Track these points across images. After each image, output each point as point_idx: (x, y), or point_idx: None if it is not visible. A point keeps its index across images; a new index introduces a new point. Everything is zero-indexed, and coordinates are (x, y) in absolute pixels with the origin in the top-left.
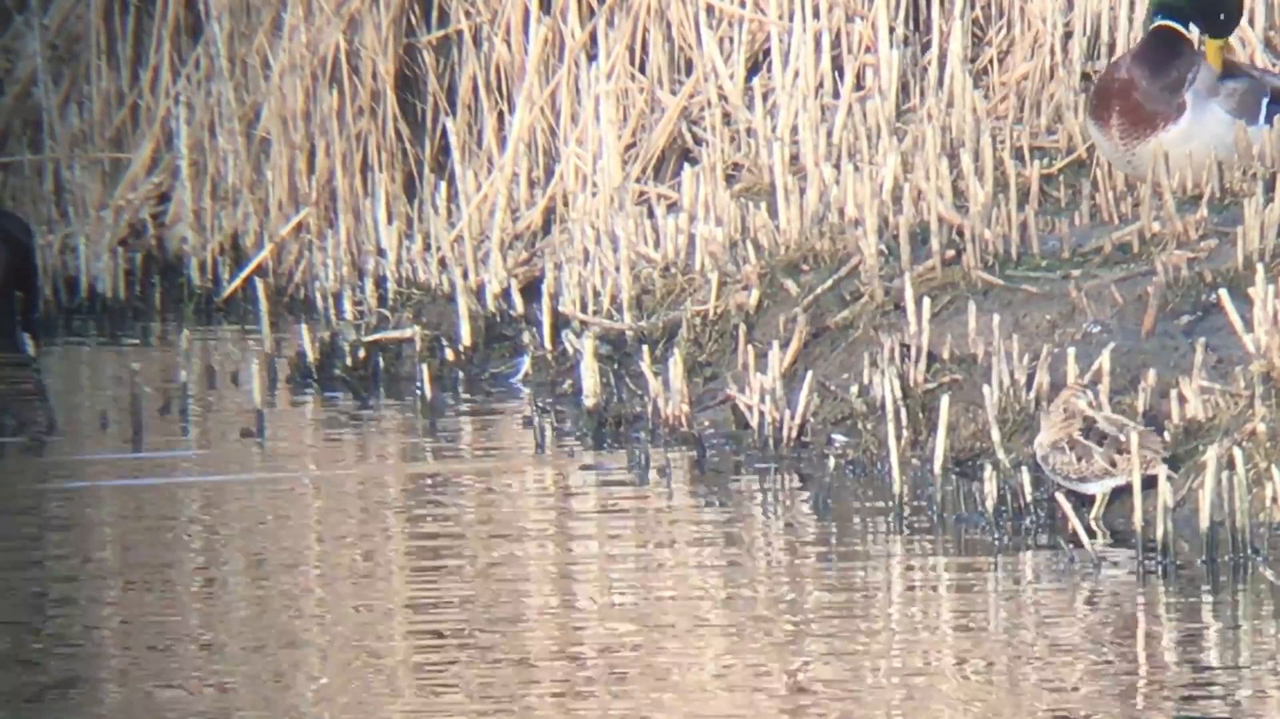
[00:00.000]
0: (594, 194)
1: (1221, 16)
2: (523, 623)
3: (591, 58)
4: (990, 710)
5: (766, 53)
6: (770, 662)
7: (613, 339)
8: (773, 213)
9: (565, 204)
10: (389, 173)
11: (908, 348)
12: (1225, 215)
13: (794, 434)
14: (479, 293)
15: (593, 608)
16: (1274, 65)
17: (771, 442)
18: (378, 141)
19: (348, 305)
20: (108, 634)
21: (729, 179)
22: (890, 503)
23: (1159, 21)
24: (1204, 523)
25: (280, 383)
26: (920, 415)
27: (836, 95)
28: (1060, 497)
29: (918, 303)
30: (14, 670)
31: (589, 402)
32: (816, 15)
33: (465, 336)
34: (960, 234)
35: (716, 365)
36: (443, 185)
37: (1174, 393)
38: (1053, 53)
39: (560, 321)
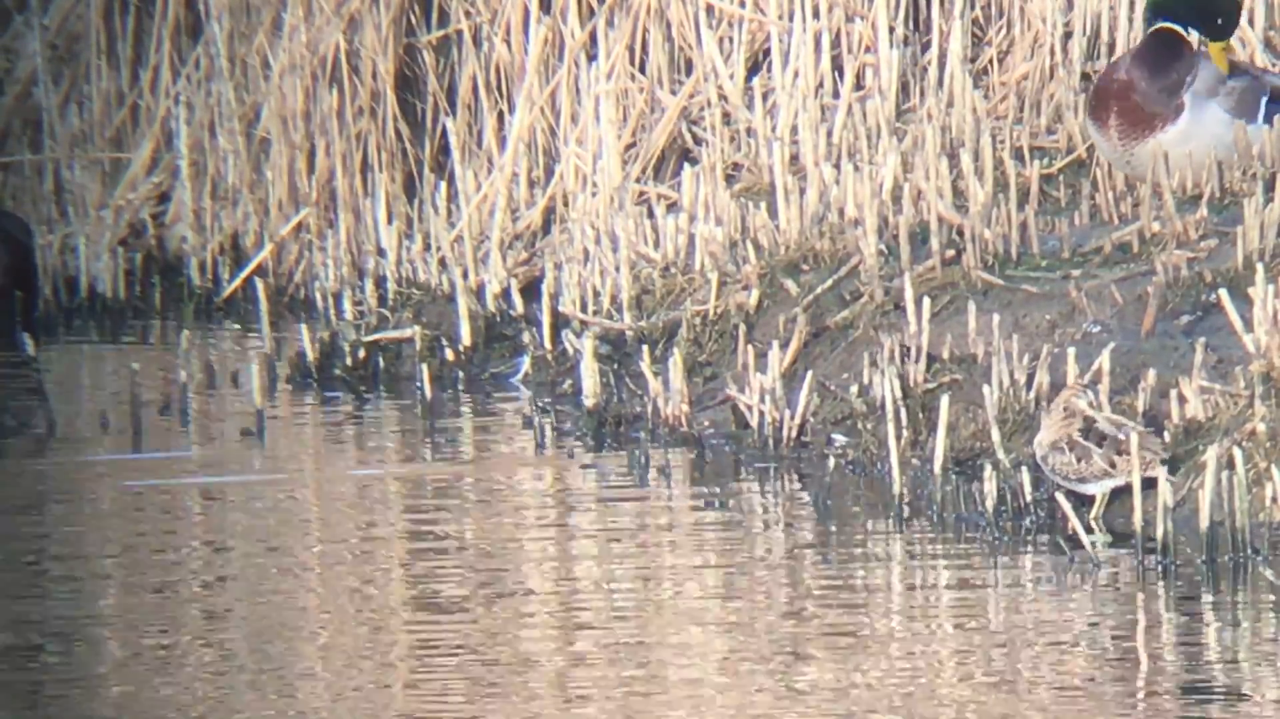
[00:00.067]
0: (594, 194)
1: (1219, 20)
2: (522, 622)
3: (591, 58)
4: (990, 710)
5: (766, 53)
6: (770, 661)
7: (613, 339)
8: (773, 213)
9: (565, 204)
10: (389, 173)
11: (907, 348)
12: (1225, 215)
13: (794, 434)
14: (479, 293)
15: (592, 608)
16: (1274, 65)
17: (771, 441)
18: (378, 141)
19: (348, 305)
20: (108, 634)
21: (729, 179)
22: (890, 503)
23: (1159, 24)
24: (1204, 523)
25: (280, 383)
26: (920, 415)
27: (836, 95)
28: (1060, 497)
29: (918, 303)
30: (14, 670)
31: (589, 402)
32: (816, 15)
33: (465, 336)
34: (960, 234)
35: (716, 365)
36: (443, 185)
37: (1174, 393)
38: (1053, 53)
39: (560, 321)
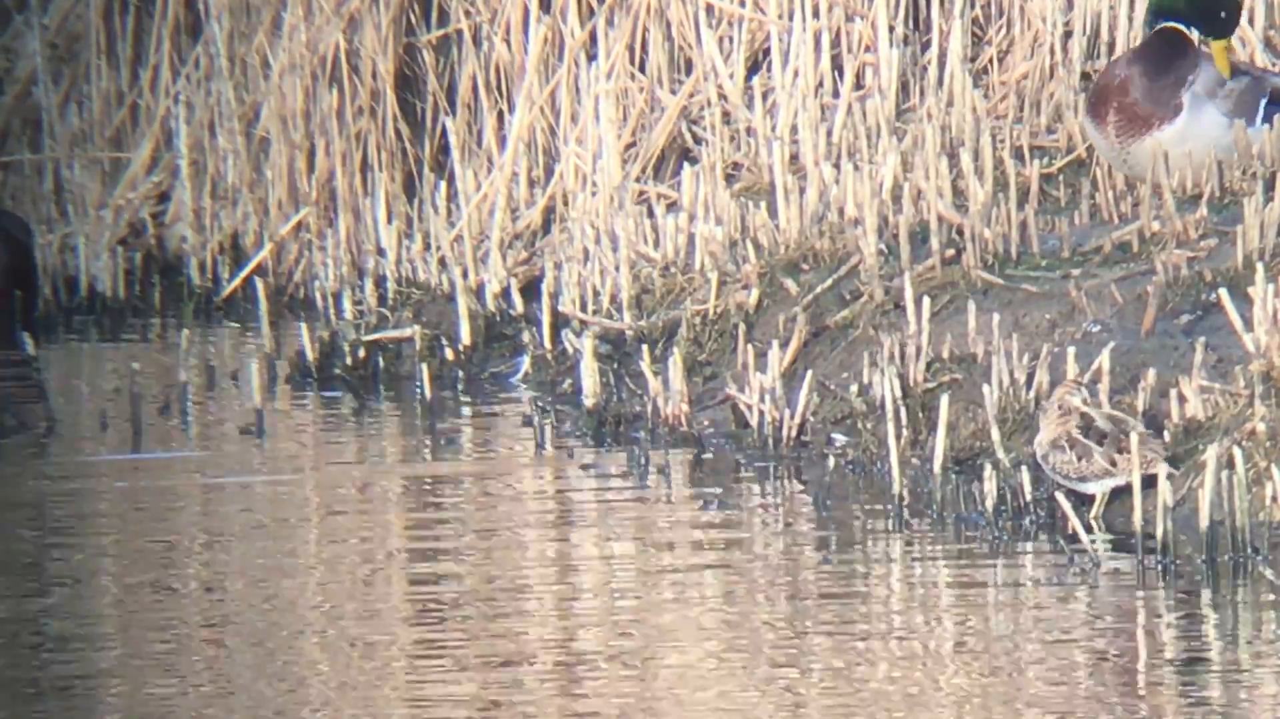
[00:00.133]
0: (594, 193)
1: (1222, 14)
2: (522, 622)
3: (591, 57)
4: (990, 709)
5: (766, 52)
6: (770, 661)
7: (612, 338)
8: (772, 212)
9: (565, 203)
10: (389, 172)
11: (907, 347)
12: (1225, 215)
13: (794, 434)
14: (479, 292)
15: (592, 608)
16: (1274, 65)
17: (771, 441)
18: (377, 141)
19: (347, 305)
20: (108, 634)
21: (729, 178)
22: (890, 502)
23: (1161, 24)
24: (1204, 522)
25: (280, 382)
26: (920, 415)
27: (836, 95)
28: (1060, 496)
29: (917, 302)
30: (14, 670)
31: (589, 401)
32: (816, 14)
33: (465, 336)
34: (960, 233)
35: (716, 365)
36: (442, 185)
37: (1174, 392)
38: (1052, 52)
39: (560, 321)
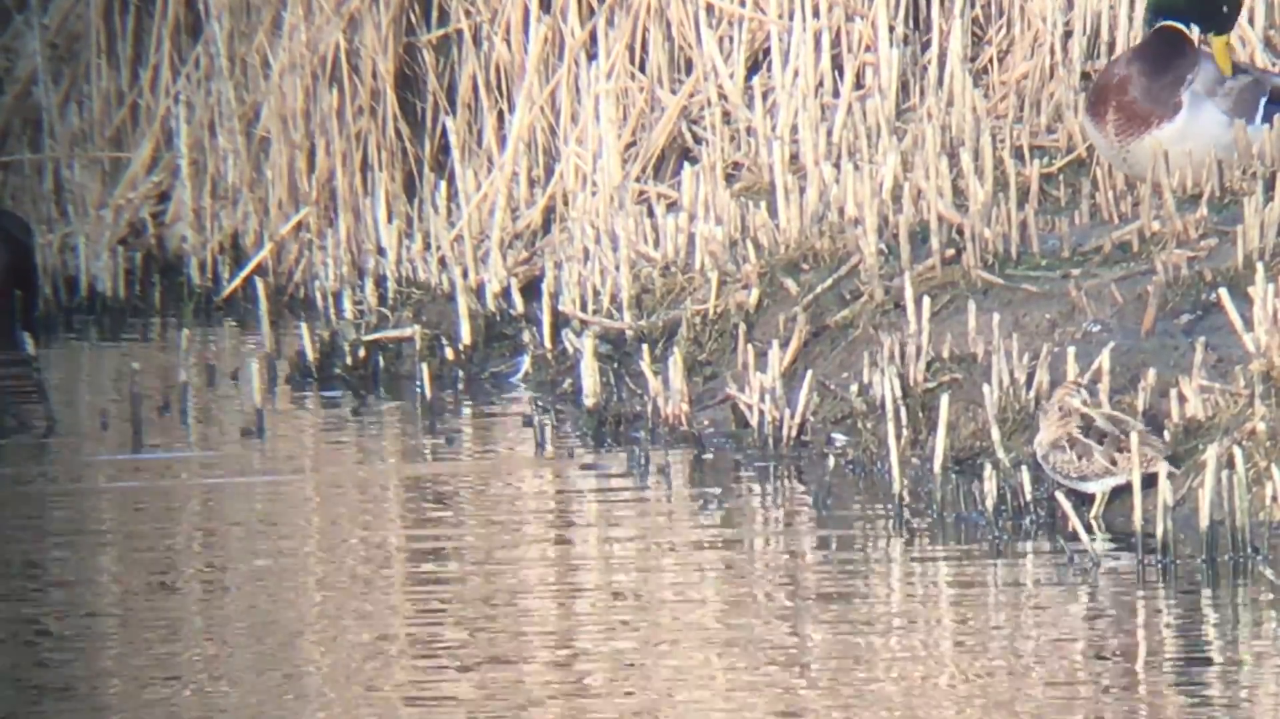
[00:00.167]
0: (594, 193)
1: (1224, 9)
2: (522, 622)
3: (591, 57)
4: (990, 709)
5: (766, 52)
6: (770, 661)
7: (612, 338)
8: (772, 212)
9: (565, 203)
10: (389, 172)
11: (907, 347)
12: (1225, 214)
13: (794, 433)
14: (479, 292)
15: (592, 607)
16: (1274, 65)
17: (771, 441)
18: (378, 141)
19: (348, 304)
20: (108, 633)
21: (729, 178)
22: (890, 502)
23: (1161, 22)
24: (1204, 522)
25: (280, 382)
26: (920, 414)
27: (836, 94)
28: (1060, 495)
29: (917, 302)
30: (14, 670)
31: (589, 401)
32: (816, 14)
33: (465, 336)
34: (960, 233)
35: (716, 364)
36: (443, 184)
37: (1174, 392)
38: (1052, 52)
39: (560, 321)
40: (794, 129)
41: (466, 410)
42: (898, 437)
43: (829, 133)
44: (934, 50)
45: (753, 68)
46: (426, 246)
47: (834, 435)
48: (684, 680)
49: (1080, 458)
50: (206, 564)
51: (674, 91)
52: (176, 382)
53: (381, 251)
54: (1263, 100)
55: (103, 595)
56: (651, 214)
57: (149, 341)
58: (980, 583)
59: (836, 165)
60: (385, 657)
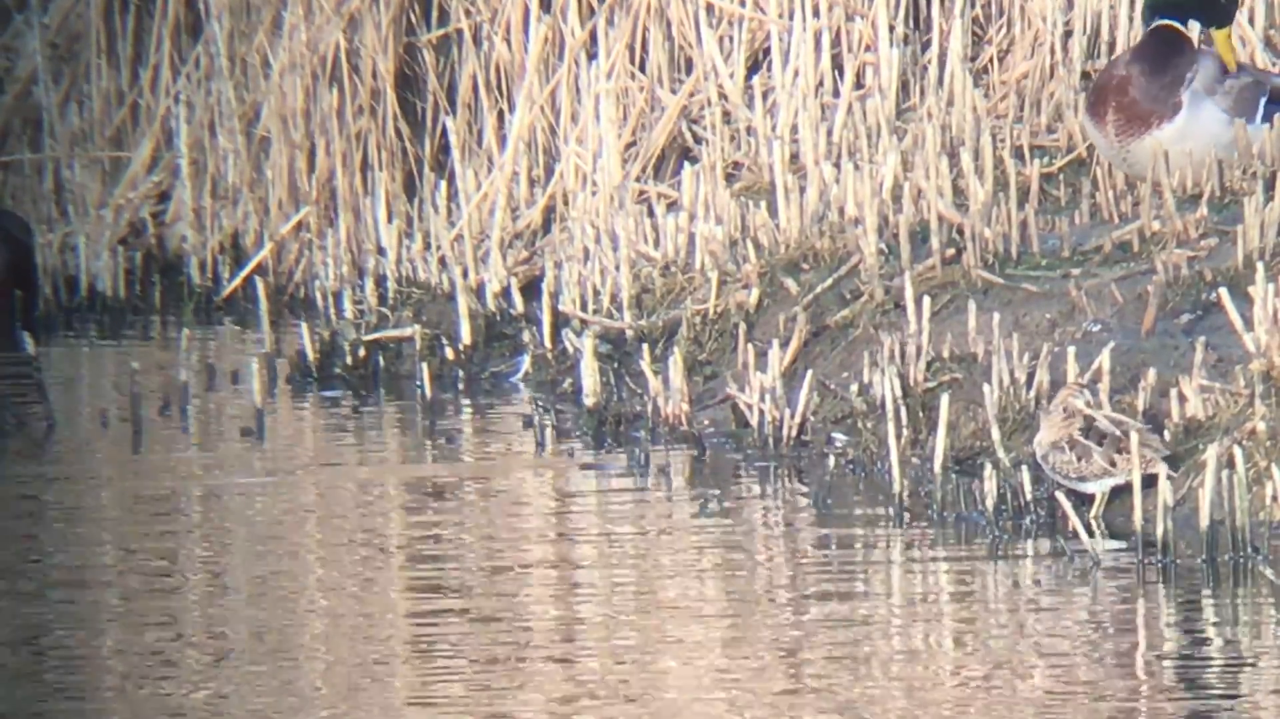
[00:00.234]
0: (594, 193)
1: (1221, 2)
2: (522, 622)
3: (591, 57)
4: (989, 709)
5: (766, 51)
6: (770, 661)
7: (613, 338)
8: (773, 212)
9: (565, 203)
10: (389, 172)
11: (907, 347)
12: (1225, 214)
13: (794, 433)
14: (479, 292)
15: (592, 607)
16: (1274, 65)
17: (771, 441)
18: (378, 140)
19: (348, 304)
20: (108, 633)
21: (729, 178)
22: (890, 502)
23: (1159, 21)
24: (1204, 522)
25: (280, 382)
26: (920, 414)
27: (836, 94)
28: (1060, 495)
29: (918, 302)
30: (14, 670)
31: (589, 401)
32: (816, 14)
33: (465, 335)
34: (960, 233)
35: (716, 364)
36: (443, 184)
37: (1174, 392)
38: (1053, 51)
39: (560, 320)
40: (794, 129)
41: (466, 410)
42: (898, 436)
43: (829, 132)
44: (934, 50)
45: (753, 67)
46: (426, 246)
47: (834, 435)
48: (683, 680)
49: (1080, 458)
50: (206, 564)
51: (674, 91)
52: (176, 381)
53: (381, 251)
54: (1263, 100)
55: (103, 595)
56: (651, 214)
57: (149, 341)
58: (980, 583)
59: (836, 165)
60: (385, 657)
